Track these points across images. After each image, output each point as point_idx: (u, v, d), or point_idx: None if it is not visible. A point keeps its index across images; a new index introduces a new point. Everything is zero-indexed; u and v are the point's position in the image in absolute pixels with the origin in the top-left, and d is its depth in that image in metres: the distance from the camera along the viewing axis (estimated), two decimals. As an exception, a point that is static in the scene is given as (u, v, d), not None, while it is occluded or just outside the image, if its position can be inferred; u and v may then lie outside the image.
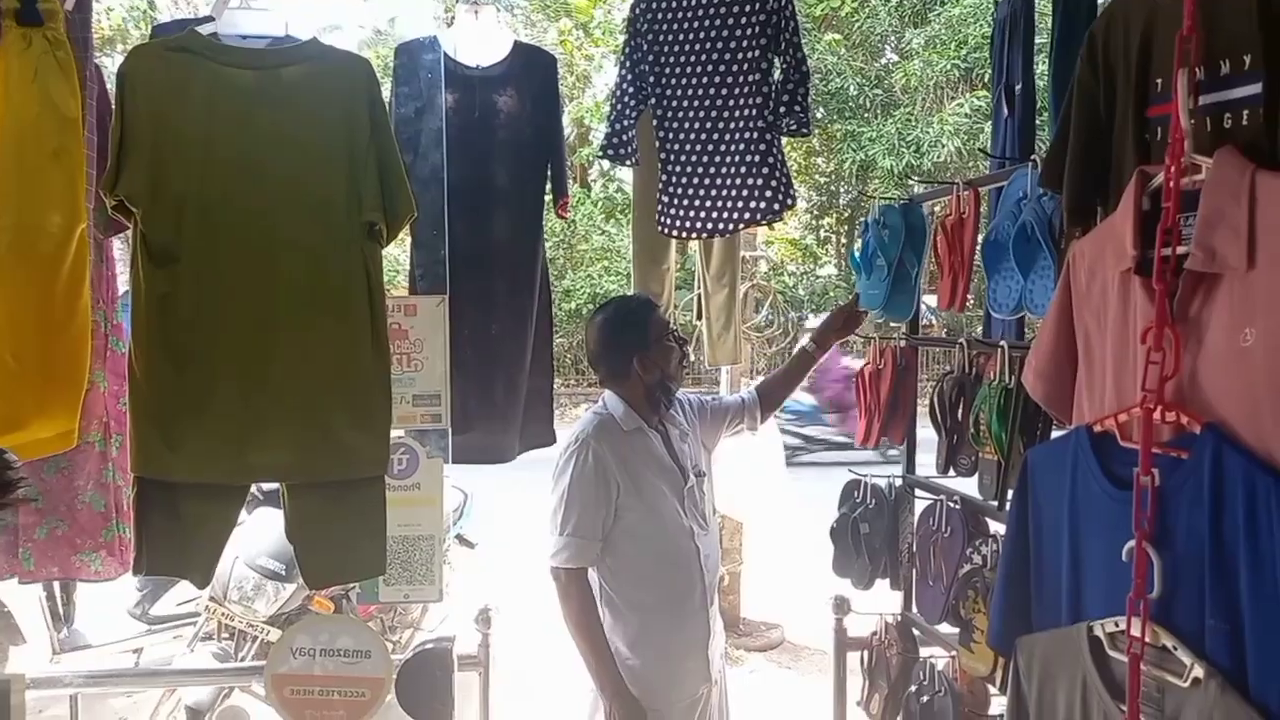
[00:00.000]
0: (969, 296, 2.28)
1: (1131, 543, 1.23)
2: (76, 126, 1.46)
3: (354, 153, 1.50)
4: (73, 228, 1.42)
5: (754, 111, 2.45)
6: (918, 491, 2.46)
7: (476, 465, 2.45)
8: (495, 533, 5.39)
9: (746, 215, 2.51)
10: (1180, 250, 1.20)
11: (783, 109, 2.47)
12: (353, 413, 1.49)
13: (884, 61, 14.90)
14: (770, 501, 4.84)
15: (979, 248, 2.07)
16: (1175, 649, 1.19)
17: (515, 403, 2.52)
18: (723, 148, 2.50)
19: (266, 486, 3.67)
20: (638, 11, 2.63)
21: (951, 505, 2.20)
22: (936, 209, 2.54)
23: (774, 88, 2.49)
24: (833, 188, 16.67)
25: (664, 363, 2.36)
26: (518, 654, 4.15)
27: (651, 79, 2.61)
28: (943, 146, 12.46)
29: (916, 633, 2.45)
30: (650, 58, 2.60)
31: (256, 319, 1.47)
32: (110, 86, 1.65)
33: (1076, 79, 1.44)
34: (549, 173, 2.52)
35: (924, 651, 2.42)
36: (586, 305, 14.86)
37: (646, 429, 2.36)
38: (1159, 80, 1.30)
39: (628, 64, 2.67)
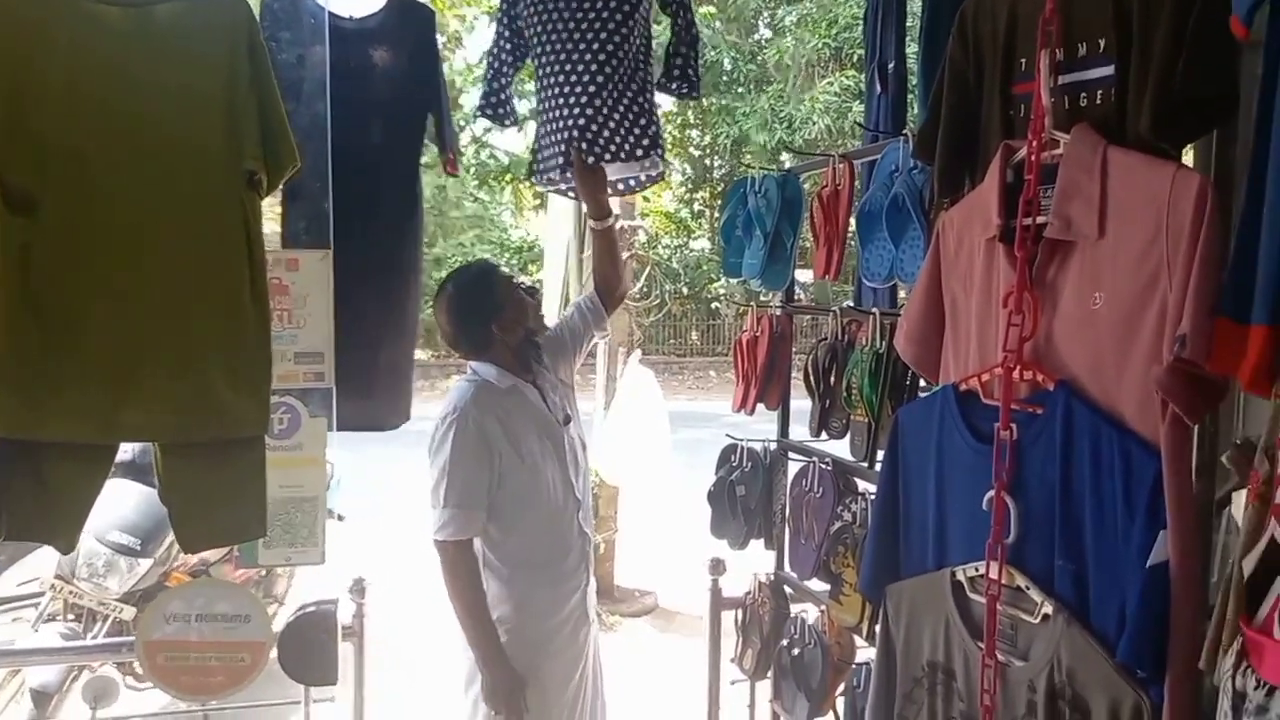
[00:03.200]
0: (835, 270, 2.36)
1: (991, 492, 1.33)
2: None
3: (233, 98, 1.41)
4: None
5: (598, 63, 2.43)
6: (791, 455, 2.56)
7: (347, 435, 2.38)
8: (363, 506, 5.28)
9: (627, 154, 2.49)
10: (1040, 220, 1.29)
11: (676, 72, 2.47)
12: (231, 370, 1.42)
13: (757, 37, 15.16)
14: (653, 468, 4.92)
15: (853, 218, 2.15)
16: (1028, 589, 1.29)
17: (393, 371, 2.44)
18: (572, 97, 2.46)
19: (117, 457, 3.46)
20: None
21: (823, 467, 2.29)
22: (806, 183, 2.61)
23: (664, 49, 2.48)
24: (707, 161, 16.91)
25: (523, 318, 2.34)
26: (390, 626, 4.09)
27: (532, 36, 2.56)
28: (814, 124, 12.83)
29: (788, 590, 2.56)
30: (527, 13, 2.55)
31: (126, 271, 1.38)
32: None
33: (948, 57, 1.51)
34: (430, 130, 2.44)
35: (795, 608, 2.53)
36: (459, 274, 14.58)
37: (522, 385, 2.33)
38: (1023, 60, 1.38)
39: (504, 20, 2.61)
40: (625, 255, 4.94)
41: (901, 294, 2.95)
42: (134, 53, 1.38)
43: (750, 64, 14.29)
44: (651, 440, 5.01)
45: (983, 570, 1.35)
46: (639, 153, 2.47)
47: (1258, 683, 0.92)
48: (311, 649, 1.76)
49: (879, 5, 2.75)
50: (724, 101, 14.06)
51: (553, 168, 2.54)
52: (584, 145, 2.43)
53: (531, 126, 2.80)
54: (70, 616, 3.28)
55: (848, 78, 12.82)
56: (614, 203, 4.62)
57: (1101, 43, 1.24)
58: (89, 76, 1.36)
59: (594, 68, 2.42)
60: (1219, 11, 1.01)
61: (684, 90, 2.50)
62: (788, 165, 2.66)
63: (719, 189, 17.11)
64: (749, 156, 13.92)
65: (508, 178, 14.55)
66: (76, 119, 1.37)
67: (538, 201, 16.73)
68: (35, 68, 1.34)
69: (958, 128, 1.49)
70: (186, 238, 1.40)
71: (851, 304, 2.66)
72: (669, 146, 15.72)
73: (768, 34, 14.95)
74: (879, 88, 2.73)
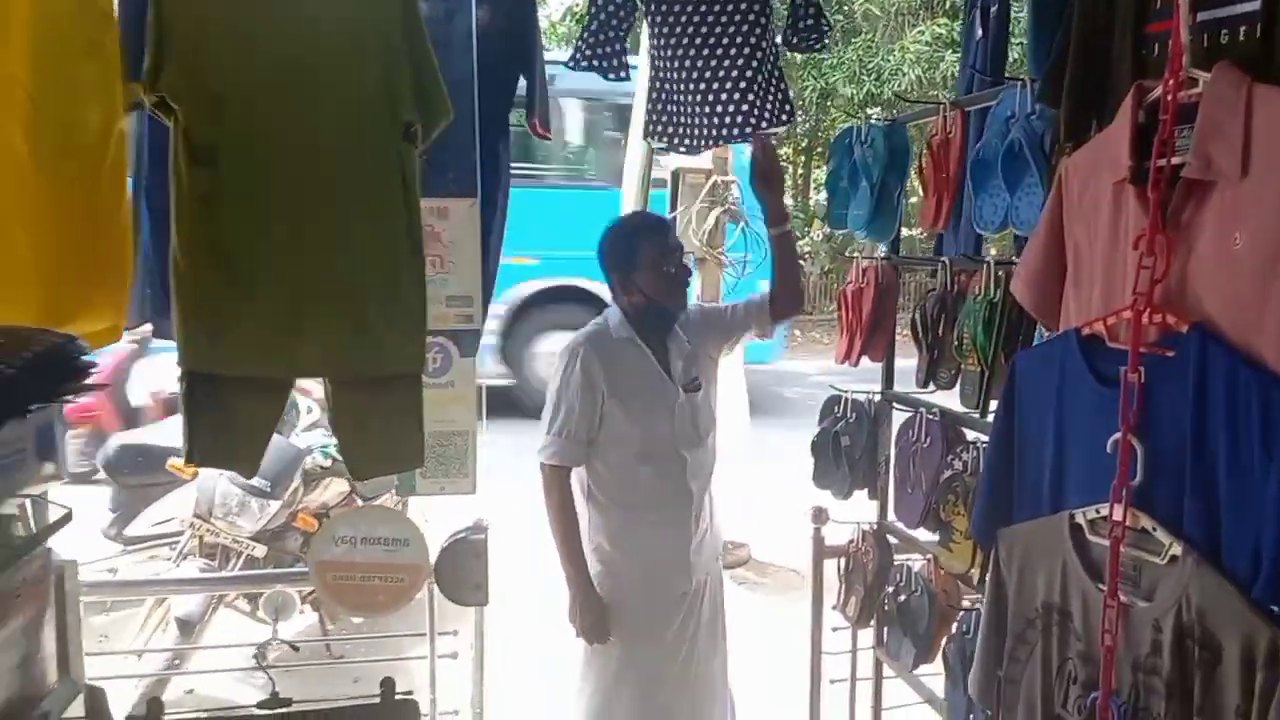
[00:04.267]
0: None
1: (1117, 435, 1.33)
2: (111, 20, 1.44)
3: (389, 53, 1.51)
4: (111, 123, 1.41)
5: (750, 24, 2.44)
6: (895, 405, 2.57)
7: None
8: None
9: (747, 127, 2.51)
10: (1175, 161, 1.27)
11: (806, 23, 2.47)
12: (389, 312, 1.54)
13: (844, -15, 14.74)
14: (732, 424, 4.98)
15: (967, 166, 2.13)
16: (1154, 530, 1.30)
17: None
18: (718, 60, 2.49)
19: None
20: None
21: (930, 417, 2.31)
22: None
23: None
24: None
25: (648, 288, 2.38)
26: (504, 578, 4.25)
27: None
28: (904, 75, 12.45)
29: (892, 540, 2.59)
30: None
31: (296, 218, 1.49)
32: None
33: (1078, -3, 1.49)
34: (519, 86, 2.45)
35: (897, 557, 2.56)
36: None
37: (638, 340, 2.41)
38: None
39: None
40: (720, 210, 4.97)
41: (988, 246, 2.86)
42: (298, 11, 1.49)
43: (837, 14, 13.88)
44: (730, 396, 5.05)
45: (1105, 512, 1.36)
46: (784, 116, 2.50)
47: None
48: (464, 571, 1.89)
49: (982, -56, 2.67)
50: (810, 54, 13.75)
51: (705, 134, 2.57)
52: (752, 121, 2.46)
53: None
54: (206, 553, 3.53)
55: (940, 26, 12.37)
56: (706, 156, 4.62)
57: (1248, -24, 1.21)
58: (259, 35, 1.47)
59: (746, 38, 2.44)
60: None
61: (813, 43, 2.49)
62: (876, 118, 2.62)
63: (804, 144, 16.78)
64: (835, 110, 13.60)
65: (590, 138, 14.57)
66: (247, 74, 1.47)
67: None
68: (212, 28, 1.45)
69: (1088, 70, 1.47)
70: (350, 186, 1.51)
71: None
72: (754, 101, 15.47)
73: (855, -19, 14.51)
74: (979, 32, 2.66)
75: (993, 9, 2.64)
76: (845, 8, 13.94)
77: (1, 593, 0.96)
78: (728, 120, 2.50)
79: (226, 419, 1.51)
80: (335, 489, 3.89)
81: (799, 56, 13.81)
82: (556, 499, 2.35)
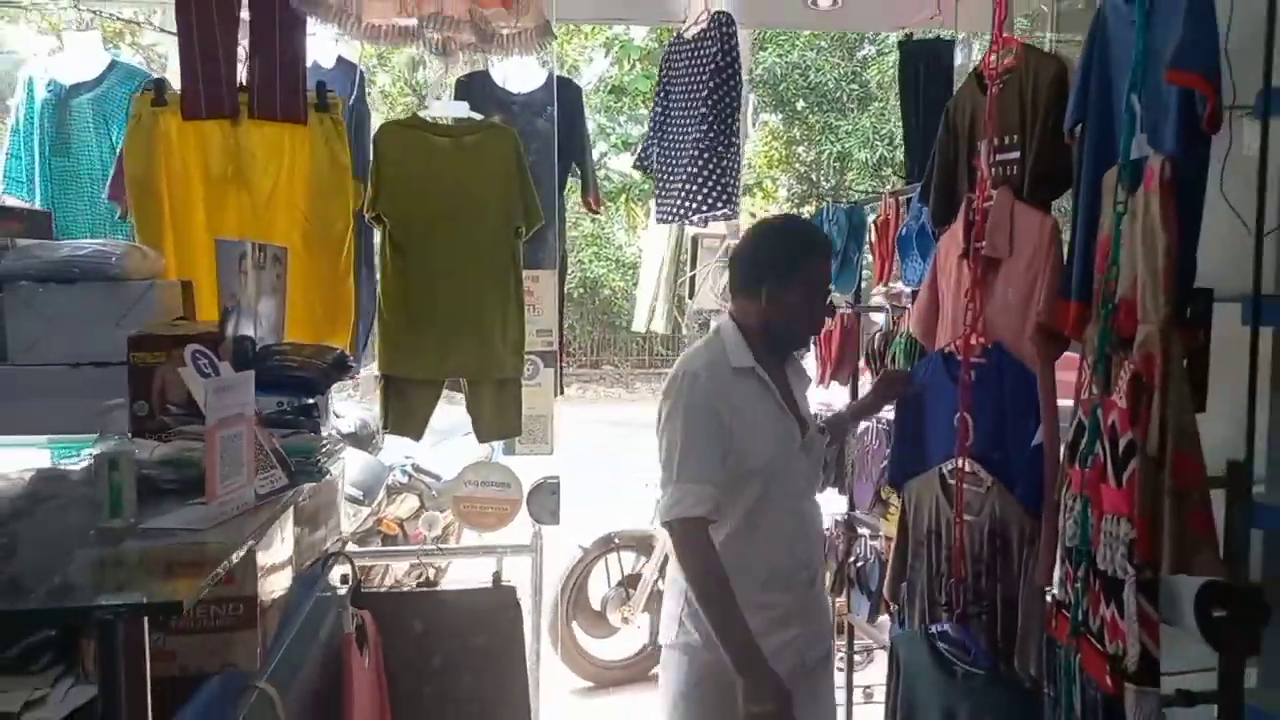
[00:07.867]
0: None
1: (958, 414, 2.12)
2: (348, 171, 2.38)
3: (508, 188, 2.47)
4: (346, 230, 2.37)
5: (700, 132, 3.23)
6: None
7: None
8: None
9: (691, 210, 3.27)
10: (982, 244, 2.08)
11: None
12: (505, 338, 2.49)
13: (861, 55, 15.76)
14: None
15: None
16: (979, 473, 2.08)
17: None
18: (683, 158, 3.30)
19: (344, 430, 4.55)
20: (664, 63, 3.46)
21: (879, 426, 3.08)
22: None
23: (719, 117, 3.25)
24: (812, 176, 17.52)
25: (795, 308, 1.96)
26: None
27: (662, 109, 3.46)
28: (913, 140, 13.31)
29: (863, 531, 3.33)
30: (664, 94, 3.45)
31: (451, 285, 2.45)
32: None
33: (939, 138, 2.31)
34: (577, 175, 3.29)
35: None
36: (576, 289, 15.68)
37: (759, 370, 1.97)
38: (979, 143, 2.17)
39: (661, 94, 3.49)
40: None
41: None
42: (454, 164, 2.45)
43: (853, 83, 14.89)
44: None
45: (954, 465, 2.14)
46: (721, 209, 3.26)
47: (1071, 495, 1.69)
48: (544, 502, 2.72)
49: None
50: (828, 119, 14.72)
51: (703, 208, 3.26)
52: (692, 209, 3.18)
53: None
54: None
55: (947, 95, 13.24)
56: (723, 225, 5.43)
57: (1015, 137, 2.03)
58: (433, 179, 2.45)
59: (699, 140, 3.22)
60: (1061, 126, 1.80)
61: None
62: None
63: (826, 202, 17.62)
64: (851, 174, 14.49)
65: (622, 199, 15.60)
66: (427, 203, 2.45)
67: (648, 222, 17.78)
68: (407, 175, 2.42)
69: (944, 183, 2.29)
70: (481, 265, 2.47)
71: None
72: (776, 162, 16.32)
73: (872, 51, 15.53)
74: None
75: (911, 120, 3.51)
76: (860, 77, 14.95)
77: (326, 481, 1.76)
78: (680, 206, 3.27)
79: (405, 403, 2.48)
80: (409, 504, 4.70)
81: (818, 121, 14.86)
82: (701, 558, 1.84)
